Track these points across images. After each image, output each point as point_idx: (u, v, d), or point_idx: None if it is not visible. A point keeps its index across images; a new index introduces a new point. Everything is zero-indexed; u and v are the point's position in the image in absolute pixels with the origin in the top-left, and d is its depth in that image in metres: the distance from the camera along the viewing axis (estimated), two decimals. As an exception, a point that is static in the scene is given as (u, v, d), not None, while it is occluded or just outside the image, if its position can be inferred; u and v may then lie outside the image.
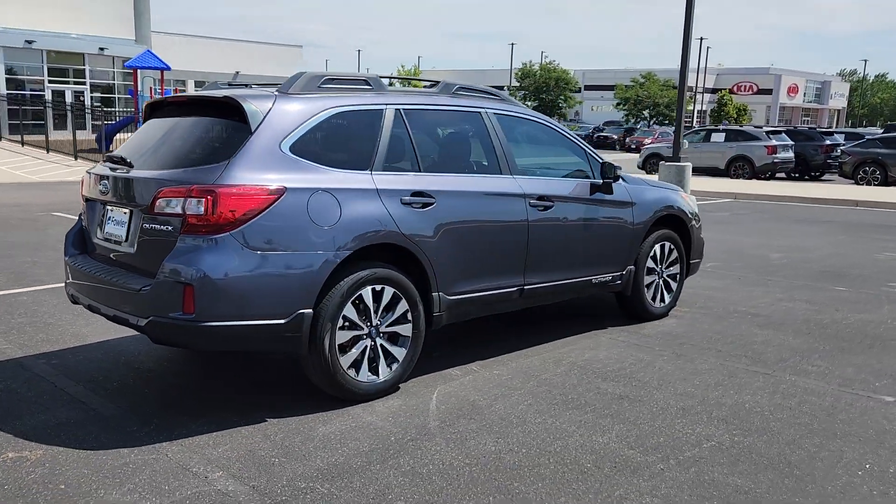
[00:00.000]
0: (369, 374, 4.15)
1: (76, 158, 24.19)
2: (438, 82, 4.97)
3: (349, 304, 4.00)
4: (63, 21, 33.24)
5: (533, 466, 3.41)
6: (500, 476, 3.31)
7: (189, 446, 3.55)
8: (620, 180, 5.72)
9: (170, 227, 3.67)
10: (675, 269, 6.25)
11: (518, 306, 5.10)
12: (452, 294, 4.52)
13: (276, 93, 4.08)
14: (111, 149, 26.22)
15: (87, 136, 28.60)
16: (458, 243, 4.50)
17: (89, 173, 4.34)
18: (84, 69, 34.40)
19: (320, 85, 4.22)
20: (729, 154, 24.83)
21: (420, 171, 4.43)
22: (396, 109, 4.43)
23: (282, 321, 3.75)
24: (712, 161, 24.98)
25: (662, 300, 6.17)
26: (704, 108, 74.11)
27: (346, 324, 4.02)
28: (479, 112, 4.91)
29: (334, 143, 4.15)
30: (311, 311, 3.83)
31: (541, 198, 5.01)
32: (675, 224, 6.25)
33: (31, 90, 32.74)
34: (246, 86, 4.49)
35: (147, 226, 3.80)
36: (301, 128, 3.96)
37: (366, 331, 4.11)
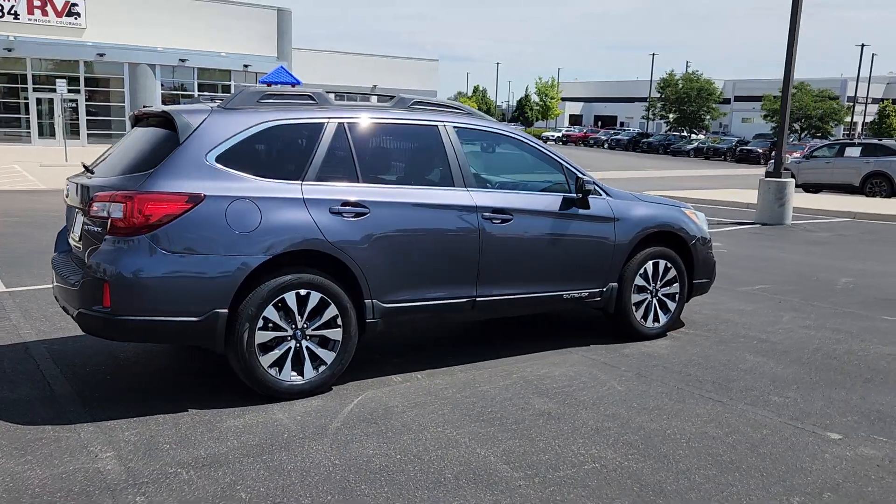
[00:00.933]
0: (293, 374, 4.37)
1: None
2: (394, 97, 5.12)
3: (270, 306, 4.23)
4: (213, 41, 36.11)
5: (394, 472, 3.49)
6: (354, 478, 3.41)
7: (104, 428, 3.91)
8: (604, 195, 5.61)
9: (99, 229, 4.07)
10: (673, 288, 6.01)
11: (474, 317, 5.14)
12: (389, 302, 4.64)
13: (213, 108, 4.40)
14: None
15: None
16: (395, 253, 4.62)
17: (68, 181, 4.87)
18: (230, 84, 37.12)
19: (259, 100, 4.51)
20: (865, 170, 22.90)
21: (358, 182, 4.60)
22: (340, 123, 4.64)
23: (196, 319, 4.05)
24: (845, 177, 23.16)
25: (657, 320, 5.94)
26: (867, 120, 68.56)
27: (270, 325, 4.26)
28: (437, 126, 5.01)
29: (265, 154, 4.42)
30: (226, 311, 4.11)
31: (497, 210, 5.02)
32: (674, 242, 6.01)
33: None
34: (212, 100, 4.85)
35: (86, 227, 4.23)
36: (230, 140, 4.26)
37: (290, 333, 4.33)
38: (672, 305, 6.03)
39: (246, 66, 36.92)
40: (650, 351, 5.60)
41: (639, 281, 5.80)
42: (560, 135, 69.89)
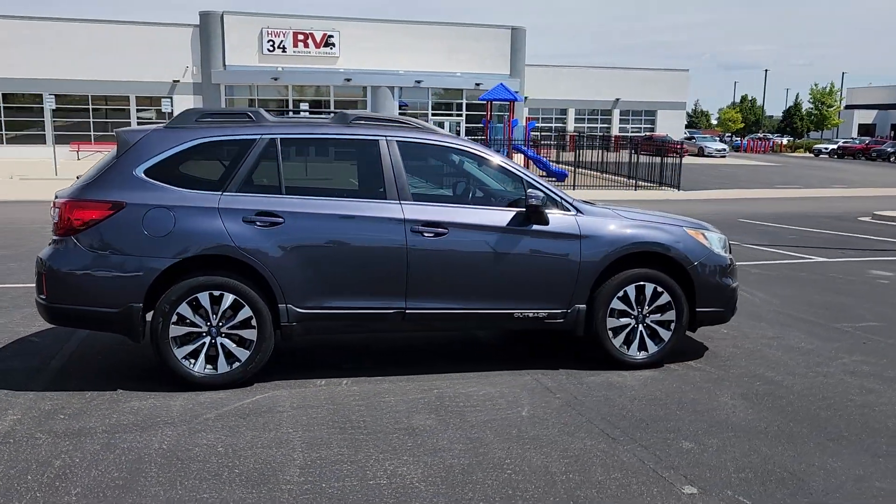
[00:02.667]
0: (207, 366, 4.81)
1: None
2: (337, 113, 5.34)
3: (185, 303, 4.72)
4: (448, 62, 38.36)
5: (210, 461, 3.75)
6: (170, 462, 3.75)
7: (34, 398, 4.65)
8: (573, 210, 5.32)
9: (53, 230, 4.87)
10: (667, 315, 5.46)
11: (406, 328, 5.18)
12: (305, 308, 4.90)
13: (156, 127, 5.01)
14: None
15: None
16: (312, 261, 4.86)
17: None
18: (462, 102, 39.08)
19: (197, 119, 5.02)
20: None
21: (281, 194, 4.92)
22: (271, 139, 5.00)
23: (114, 310, 4.67)
24: None
25: (644, 348, 5.45)
26: None
27: (186, 321, 4.75)
28: (376, 140, 5.15)
29: (191, 168, 4.92)
30: (140, 305, 4.67)
31: (429, 224, 5.03)
32: (669, 265, 5.46)
33: (421, 122, 38.40)
34: (168, 119, 5.43)
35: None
36: (159, 155, 4.83)
37: (204, 329, 4.79)
38: (665, 334, 5.48)
39: (477, 84, 38.55)
40: (618, 382, 5.16)
41: (617, 304, 5.37)
42: (835, 147, 62.59)
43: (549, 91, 50.67)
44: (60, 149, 34.72)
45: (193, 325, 4.77)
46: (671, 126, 54.40)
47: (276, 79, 35.87)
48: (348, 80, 36.27)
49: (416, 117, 38.95)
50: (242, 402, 4.64)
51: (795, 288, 8.70)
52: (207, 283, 4.75)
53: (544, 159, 30.07)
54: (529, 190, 5.16)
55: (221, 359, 4.83)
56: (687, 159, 47.67)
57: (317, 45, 37.18)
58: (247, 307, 4.81)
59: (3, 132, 35.71)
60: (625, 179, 27.21)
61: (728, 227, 14.86)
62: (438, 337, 6.25)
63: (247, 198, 4.87)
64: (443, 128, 28.64)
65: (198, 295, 4.74)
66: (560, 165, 28.87)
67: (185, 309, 4.74)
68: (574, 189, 25.01)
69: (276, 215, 4.85)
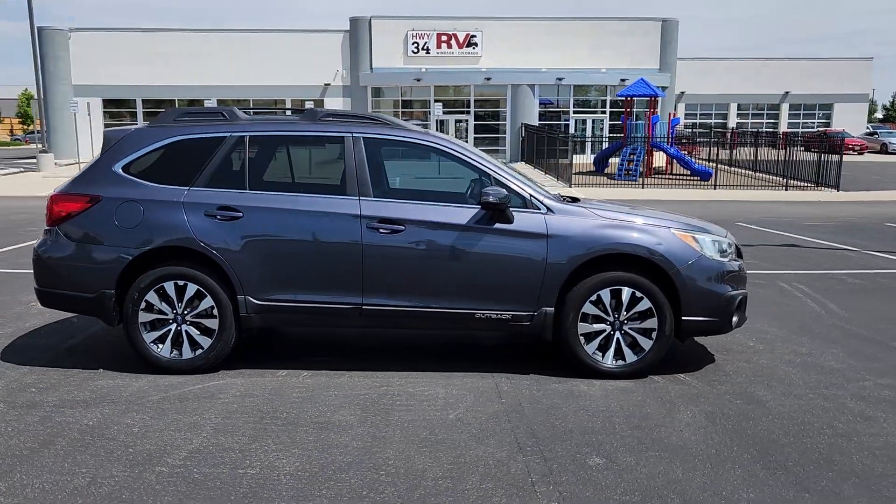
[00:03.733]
0: (173, 352, 5.10)
1: (570, 184, 24.56)
2: (307, 110, 5.42)
3: (152, 291, 5.04)
4: (592, 58, 37.49)
5: (97, 437, 4.01)
6: (74, 436, 4.04)
7: (26, 372, 5.14)
8: (543, 209, 5.09)
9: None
10: (648, 323, 5.08)
11: (364, 324, 5.18)
12: (263, 300, 5.05)
13: (139, 126, 5.35)
14: (606, 171, 28.96)
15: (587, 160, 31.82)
16: (269, 254, 5.01)
17: None
18: (605, 99, 38.03)
19: (175, 119, 5.31)
20: None
21: (246, 189, 5.11)
22: (241, 137, 5.20)
23: (89, 295, 5.07)
24: None
25: (621, 357, 5.10)
26: None
27: (154, 308, 5.06)
28: (343, 136, 5.19)
29: (164, 164, 5.20)
30: (112, 291, 5.04)
31: (385, 220, 5.01)
32: (652, 269, 5.07)
33: (563, 121, 37.84)
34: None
35: (55, 220, 5.56)
36: (136, 153, 5.17)
37: (171, 316, 5.08)
38: (646, 343, 5.09)
39: (623, 80, 37.29)
40: (581, 391, 4.87)
41: (590, 309, 5.07)
42: None
43: (707, 86, 48.07)
44: (224, 149, 37.80)
45: (161, 312, 5.07)
46: (851, 121, 49.75)
47: (418, 80, 36.77)
48: (488, 79, 36.42)
49: (558, 115, 38.66)
50: (194, 386, 4.87)
51: (881, 301, 7.73)
52: (172, 272, 5.03)
53: (687, 157, 28.61)
54: (487, 188, 4.98)
55: (186, 345, 5.09)
56: (864, 157, 43.62)
57: (459, 46, 37.68)
58: (209, 297, 5.04)
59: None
60: (779, 179, 25.28)
61: (864, 233, 13.46)
62: (427, 336, 6.19)
63: (211, 193, 5.10)
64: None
65: (164, 284, 5.04)
66: (706, 164, 27.30)
67: (152, 297, 5.05)
68: (715, 189, 23.62)
69: (236, 210, 5.04)
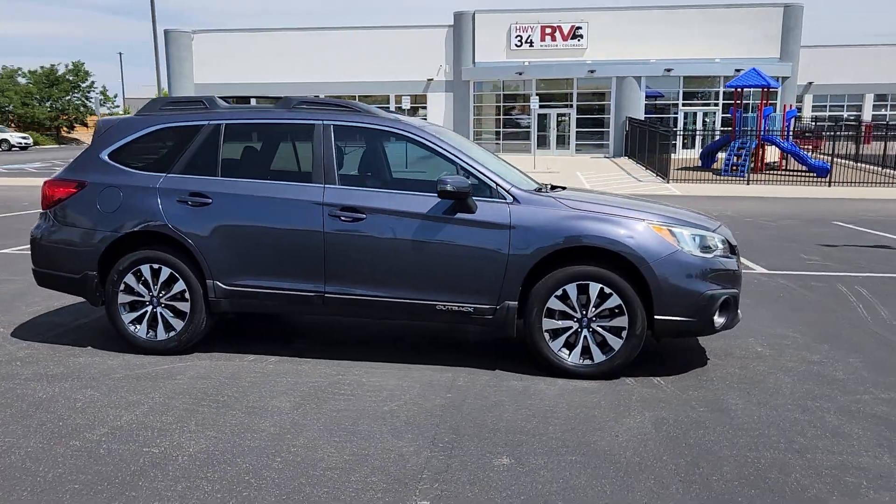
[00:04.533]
0: (149, 332, 5.29)
1: (667, 180, 23.18)
2: (283, 98, 5.43)
3: (130, 273, 5.25)
4: (704, 48, 35.79)
5: (39, 410, 4.21)
6: (21, 407, 4.27)
7: (24, 346, 5.47)
8: (508, 198, 4.90)
9: None
10: (618, 321, 4.78)
11: (327, 312, 5.16)
12: (231, 285, 5.15)
13: (126, 116, 5.56)
14: (713, 166, 27.63)
15: (695, 154, 30.47)
16: (235, 240, 5.09)
17: None
18: (718, 91, 36.20)
19: (161, 107, 5.49)
20: None
21: (218, 176, 5.21)
22: (217, 125, 5.31)
23: (76, 276, 5.34)
24: None
25: (589, 356, 4.83)
26: None
27: (132, 290, 5.27)
28: (313, 124, 5.19)
29: (145, 152, 5.39)
30: (95, 272, 5.28)
31: (347, 208, 4.97)
32: (622, 264, 4.77)
33: (672, 114, 36.40)
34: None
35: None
36: (122, 141, 5.39)
37: (147, 298, 5.27)
38: (615, 342, 4.79)
39: (737, 70, 35.37)
40: (537, 390, 4.65)
41: (556, 304, 4.82)
42: None
43: (838, 75, 44.77)
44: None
45: (138, 294, 5.27)
46: None
47: (520, 73, 36.41)
48: (592, 71, 35.50)
49: (667, 108, 37.12)
50: (160, 367, 5.03)
51: (941, 307, 6.92)
52: (148, 256, 5.22)
53: (802, 152, 26.80)
54: (445, 176, 4.83)
55: (160, 327, 5.27)
56: None
57: (564, 38, 36.99)
58: (181, 281, 5.20)
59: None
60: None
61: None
62: (416, 328, 6.10)
63: (185, 179, 5.24)
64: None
65: (141, 267, 5.23)
66: (825, 159, 25.45)
67: (130, 279, 5.25)
68: (830, 186, 21.97)
69: (206, 196, 5.15)
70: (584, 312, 4.82)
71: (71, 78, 55.06)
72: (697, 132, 32.96)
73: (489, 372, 4.97)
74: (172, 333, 5.25)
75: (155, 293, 5.25)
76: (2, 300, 6.93)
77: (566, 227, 4.79)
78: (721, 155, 27.81)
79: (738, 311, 5.10)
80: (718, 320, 4.87)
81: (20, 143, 43.45)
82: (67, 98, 54.84)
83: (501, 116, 38.20)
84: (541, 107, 36.07)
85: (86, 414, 4.19)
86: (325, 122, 5.19)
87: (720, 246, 4.95)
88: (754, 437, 3.92)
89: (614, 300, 4.76)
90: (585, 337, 4.84)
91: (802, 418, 4.18)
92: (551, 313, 4.85)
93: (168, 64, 38.73)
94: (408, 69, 37.63)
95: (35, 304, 6.75)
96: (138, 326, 5.29)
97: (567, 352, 4.87)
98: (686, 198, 17.75)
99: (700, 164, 28.23)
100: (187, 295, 5.20)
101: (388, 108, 35.19)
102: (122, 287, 5.26)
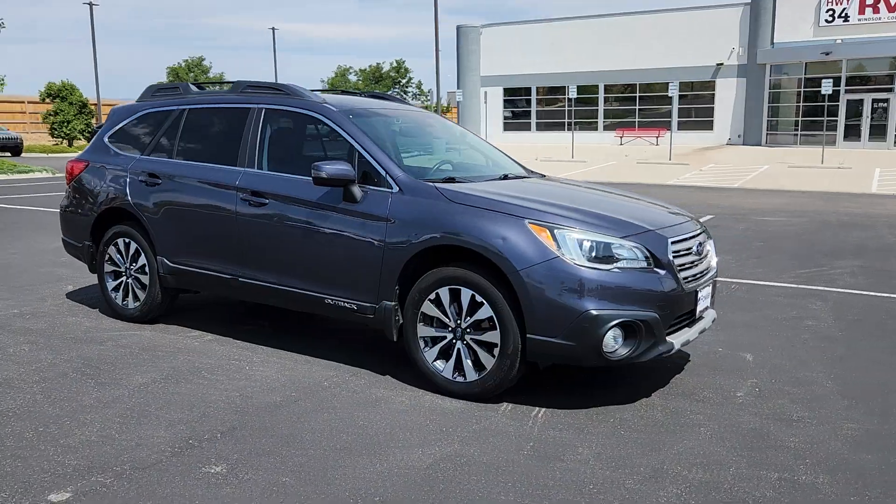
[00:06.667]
0: (125, 300, 5.74)
1: None
2: (238, 82, 5.40)
3: (111, 246, 5.76)
4: None
5: (22, 383, 4.83)
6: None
7: (58, 302, 6.33)
8: (393, 186, 4.41)
9: None
10: (488, 336, 4.04)
11: (245, 297, 5.12)
12: (174, 263, 5.37)
13: (130, 102, 6.03)
14: None
15: None
16: (176, 220, 5.30)
17: None
18: None
19: (154, 93, 5.87)
20: None
21: (173, 157, 5.46)
22: (182, 109, 5.55)
23: (79, 245, 6.00)
24: None
25: (461, 373, 4.16)
26: None
27: (113, 260, 5.78)
28: (249, 108, 5.15)
29: (133, 135, 5.79)
30: (89, 242, 5.89)
31: (255, 193, 4.88)
32: (493, 268, 4.00)
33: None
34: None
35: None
36: (119, 125, 5.90)
37: (123, 269, 5.74)
38: (487, 361, 4.04)
39: None
40: (391, 401, 4.13)
41: (430, 309, 4.22)
42: None
43: None
44: (606, 135, 38.01)
45: (117, 264, 5.76)
46: None
47: (827, 53, 31.68)
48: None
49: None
50: (124, 332, 5.42)
51: None
52: (121, 231, 5.67)
53: None
54: (320, 162, 4.41)
55: (130, 297, 5.70)
56: None
57: (890, 9, 31.32)
58: (143, 255, 5.56)
59: (537, 121, 40.63)
60: None
61: None
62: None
63: (148, 161, 5.57)
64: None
65: (118, 241, 5.71)
66: None
67: (112, 251, 5.76)
68: None
69: (158, 177, 5.43)
70: (458, 322, 4.14)
71: (393, 75, 61.12)
72: None
73: (377, 376, 4.52)
74: (137, 304, 5.65)
75: (127, 265, 5.69)
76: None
77: (444, 222, 4.14)
78: None
79: (671, 339, 3.97)
80: (615, 349, 3.84)
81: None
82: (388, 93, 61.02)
83: (801, 104, 33.74)
84: (851, 91, 31.20)
85: (31, 370, 4.54)
86: (258, 106, 5.13)
87: (630, 256, 3.88)
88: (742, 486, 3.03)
89: (486, 311, 4.01)
90: (459, 350, 4.16)
91: (740, 431, 3.11)
92: (428, 319, 4.25)
93: (458, 57, 41.00)
94: (693, 54, 35.10)
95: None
96: (116, 294, 5.78)
97: (442, 364, 4.23)
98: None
99: None
100: (146, 269, 5.54)
101: (669, 97, 32.75)
102: (106, 258, 5.79)
